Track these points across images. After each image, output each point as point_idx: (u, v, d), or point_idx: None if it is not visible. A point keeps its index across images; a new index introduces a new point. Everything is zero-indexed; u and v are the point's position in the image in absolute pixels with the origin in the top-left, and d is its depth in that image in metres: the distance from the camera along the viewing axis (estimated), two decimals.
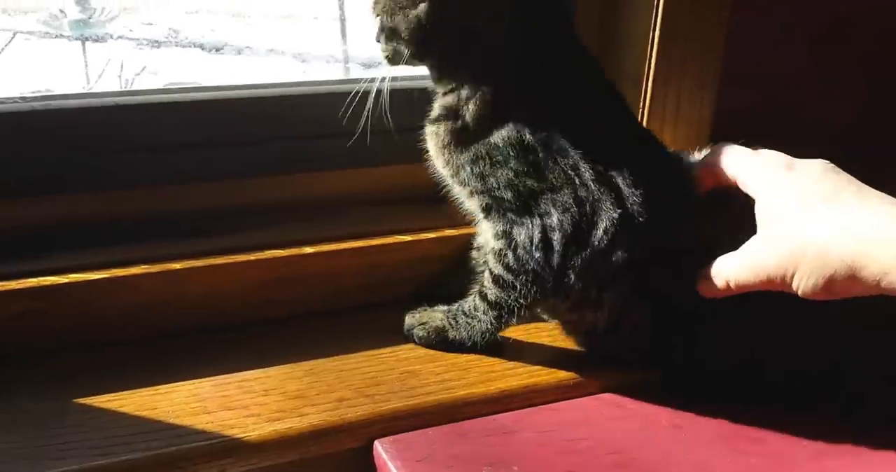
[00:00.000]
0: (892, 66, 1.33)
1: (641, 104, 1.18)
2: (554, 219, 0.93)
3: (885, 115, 1.35)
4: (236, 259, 1.04)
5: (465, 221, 1.07)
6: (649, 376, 1.02)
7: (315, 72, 2.35)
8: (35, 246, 1.01)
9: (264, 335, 1.05)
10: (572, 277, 0.94)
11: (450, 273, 1.13)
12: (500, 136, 0.94)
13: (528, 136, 0.93)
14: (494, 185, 0.95)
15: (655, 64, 1.16)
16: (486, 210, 0.98)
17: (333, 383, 0.98)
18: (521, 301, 0.98)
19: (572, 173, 0.93)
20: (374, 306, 1.11)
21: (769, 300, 0.90)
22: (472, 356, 1.03)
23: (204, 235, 1.06)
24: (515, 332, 1.06)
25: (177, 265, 1.02)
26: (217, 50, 2.42)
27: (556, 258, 0.94)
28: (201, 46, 2.42)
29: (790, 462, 0.91)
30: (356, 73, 2.07)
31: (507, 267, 0.97)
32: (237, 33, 2.51)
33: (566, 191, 0.93)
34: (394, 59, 0.97)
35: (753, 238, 0.86)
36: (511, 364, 1.02)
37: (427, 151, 1.01)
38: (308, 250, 1.08)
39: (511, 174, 0.94)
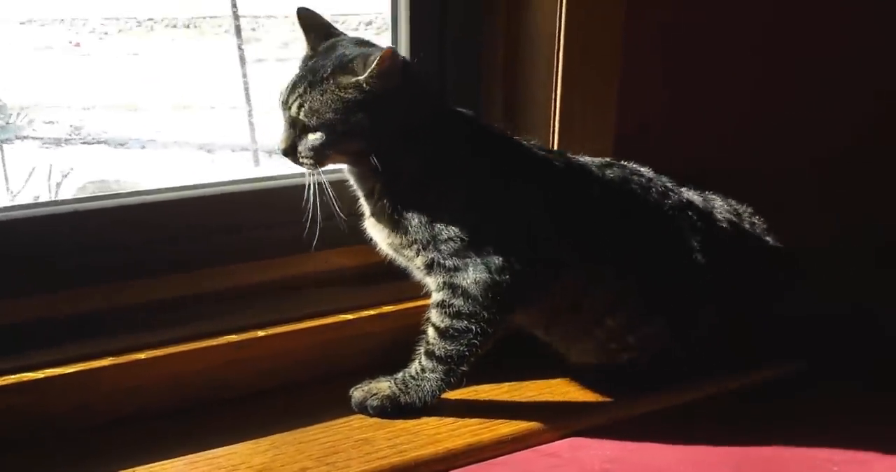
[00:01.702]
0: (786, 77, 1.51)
1: (552, 124, 1.31)
2: (504, 241, 1.09)
3: (778, 124, 1.52)
4: (196, 346, 1.13)
5: (402, 296, 1.22)
6: (581, 424, 1.15)
7: (223, 161, 2.43)
8: (9, 346, 1.06)
9: (227, 414, 1.13)
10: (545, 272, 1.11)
11: None
12: (442, 183, 1.10)
13: (469, 173, 1.11)
14: (441, 226, 1.09)
15: (562, 88, 1.29)
16: (429, 266, 1.11)
17: (294, 454, 1.06)
18: (478, 341, 1.10)
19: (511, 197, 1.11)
20: (325, 380, 1.20)
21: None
22: (419, 420, 1.13)
23: (164, 325, 1.14)
24: (457, 394, 1.17)
25: (142, 355, 1.10)
26: (122, 145, 2.48)
27: (516, 265, 1.09)
28: (105, 142, 2.48)
29: None
30: (265, 161, 2.17)
31: (455, 315, 1.10)
32: (138, 127, 2.58)
33: (509, 211, 1.10)
34: (320, 160, 1.08)
35: None
36: (455, 425, 1.12)
37: (372, 240, 1.16)
38: (260, 333, 1.17)
39: (457, 207, 1.09)
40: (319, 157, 1.08)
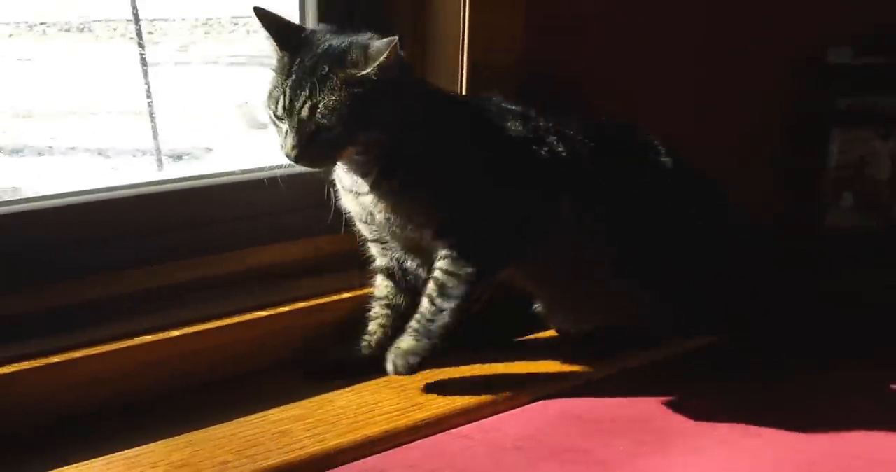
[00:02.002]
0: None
1: (461, 58, 1.34)
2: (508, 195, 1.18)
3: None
4: (110, 348, 1.13)
5: (313, 293, 1.25)
6: (493, 408, 1.20)
7: (124, 166, 2.40)
8: None
9: (143, 414, 1.14)
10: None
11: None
12: (440, 158, 1.16)
13: (463, 146, 1.18)
14: (447, 195, 1.16)
15: (469, 26, 1.33)
16: (439, 233, 1.18)
17: (213, 449, 1.08)
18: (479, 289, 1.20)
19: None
20: (240, 377, 1.22)
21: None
22: (337, 410, 1.16)
23: (78, 328, 1.14)
24: (374, 383, 1.22)
25: (56, 359, 1.10)
26: (17, 152, 2.42)
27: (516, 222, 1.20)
28: (0, 150, 2.41)
29: (609, 464, 1.11)
30: (168, 165, 2.15)
31: (462, 264, 1.17)
32: (33, 134, 2.52)
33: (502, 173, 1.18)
34: (337, 158, 1.12)
35: None
36: (372, 413, 1.16)
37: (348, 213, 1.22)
38: (174, 333, 1.18)
39: (462, 169, 1.17)
40: (337, 155, 1.11)
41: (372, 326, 1.27)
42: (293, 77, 1.08)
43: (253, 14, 1.10)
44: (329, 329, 1.29)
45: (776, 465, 1.11)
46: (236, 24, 2.16)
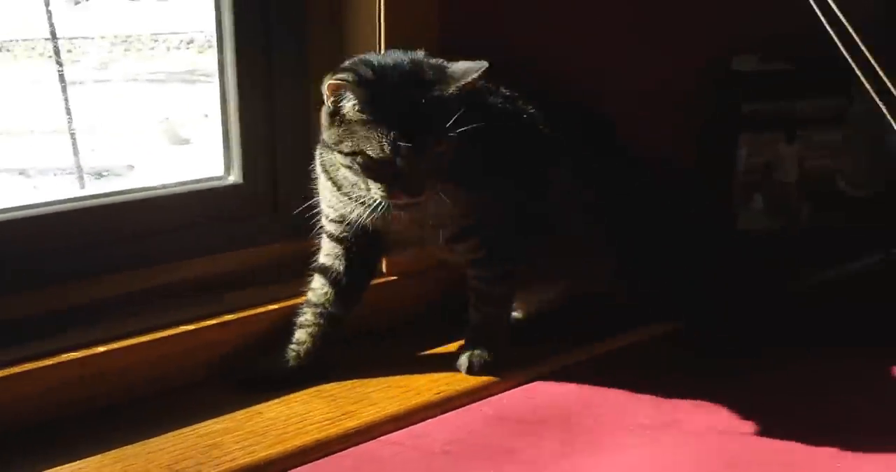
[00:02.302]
0: None
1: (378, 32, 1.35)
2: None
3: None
4: (36, 365, 1.12)
5: (243, 304, 1.26)
6: (421, 415, 1.22)
7: (45, 186, 2.36)
8: None
9: (72, 431, 1.13)
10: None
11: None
12: (477, 154, 1.18)
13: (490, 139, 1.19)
14: (474, 174, 1.19)
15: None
16: (465, 231, 1.23)
17: (144, 464, 1.08)
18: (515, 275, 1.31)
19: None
20: (169, 392, 1.22)
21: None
22: (267, 421, 1.17)
23: (4, 346, 1.13)
24: (304, 392, 1.23)
25: None
26: None
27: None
28: None
29: (537, 464, 1.14)
30: (90, 183, 2.13)
31: (493, 264, 1.27)
32: None
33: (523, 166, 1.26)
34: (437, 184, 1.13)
35: None
36: (302, 423, 1.17)
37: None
38: (100, 349, 1.18)
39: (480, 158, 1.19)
40: (442, 178, 1.13)
41: (301, 334, 1.27)
42: (395, 115, 1.08)
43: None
44: (258, 341, 1.29)
45: (699, 462, 1.14)
46: (156, 40, 2.15)
